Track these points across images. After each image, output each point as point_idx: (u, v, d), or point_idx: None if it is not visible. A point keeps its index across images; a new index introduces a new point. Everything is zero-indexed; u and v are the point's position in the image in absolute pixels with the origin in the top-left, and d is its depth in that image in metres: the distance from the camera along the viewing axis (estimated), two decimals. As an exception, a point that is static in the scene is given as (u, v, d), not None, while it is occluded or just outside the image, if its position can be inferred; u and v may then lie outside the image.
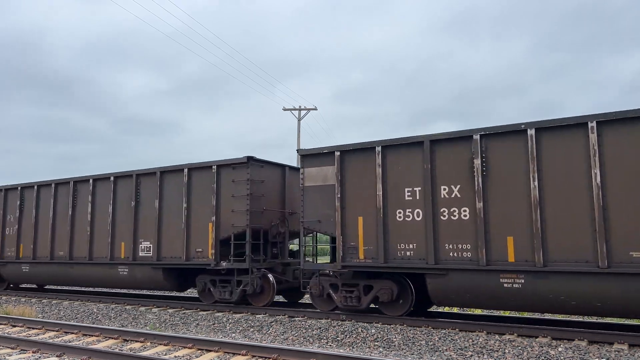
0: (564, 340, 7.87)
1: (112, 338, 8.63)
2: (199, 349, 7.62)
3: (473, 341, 8.02)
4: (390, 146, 9.76)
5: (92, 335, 8.88)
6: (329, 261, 11.59)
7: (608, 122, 7.84)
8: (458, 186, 9.05)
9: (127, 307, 12.71)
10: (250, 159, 11.44)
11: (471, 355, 7.48)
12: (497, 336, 8.23)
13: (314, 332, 9.20)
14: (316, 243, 11.98)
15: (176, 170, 12.57)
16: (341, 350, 8.06)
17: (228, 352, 7.34)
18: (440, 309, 11.96)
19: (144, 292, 16.73)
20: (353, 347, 8.40)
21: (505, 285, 8.41)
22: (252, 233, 11.38)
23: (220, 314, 11.28)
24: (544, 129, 8.34)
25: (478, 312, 11.30)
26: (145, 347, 7.97)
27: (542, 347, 7.56)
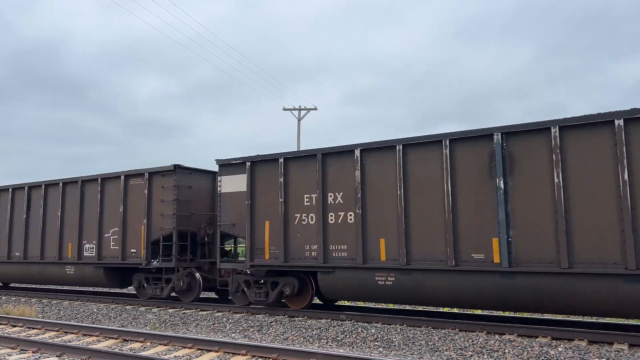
0: (564, 340, 7.87)
1: (112, 338, 8.63)
2: (199, 349, 7.62)
3: (473, 341, 8.02)
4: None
5: (92, 335, 8.87)
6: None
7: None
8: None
9: (127, 307, 12.72)
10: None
11: (471, 355, 7.49)
12: (497, 336, 8.23)
13: (314, 332, 9.20)
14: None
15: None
16: (341, 350, 8.06)
17: (228, 352, 7.34)
18: (440, 309, 11.96)
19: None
20: (353, 347, 8.40)
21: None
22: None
23: (220, 314, 11.29)
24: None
25: (478, 312, 11.29)
26: (145, 347, 7.97)
27: (542, 347, 7.56)
